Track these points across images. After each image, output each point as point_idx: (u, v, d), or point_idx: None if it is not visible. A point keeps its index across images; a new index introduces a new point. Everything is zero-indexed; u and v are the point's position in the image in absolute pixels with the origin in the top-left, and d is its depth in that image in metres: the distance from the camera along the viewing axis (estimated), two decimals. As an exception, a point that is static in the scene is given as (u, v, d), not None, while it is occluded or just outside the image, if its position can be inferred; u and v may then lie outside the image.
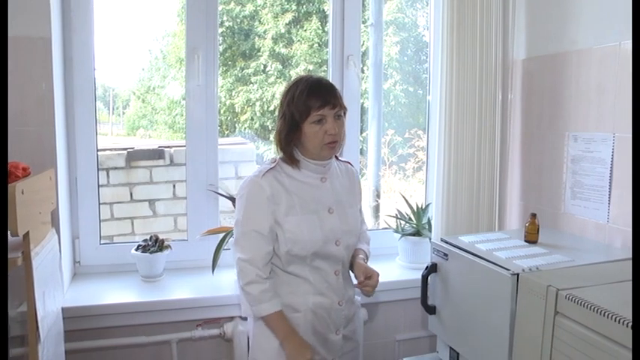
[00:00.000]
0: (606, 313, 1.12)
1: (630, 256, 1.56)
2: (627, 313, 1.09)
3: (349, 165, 1.76)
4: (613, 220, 1.72)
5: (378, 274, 1.63)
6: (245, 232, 1.53)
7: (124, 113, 4.57)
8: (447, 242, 1.71)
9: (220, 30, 4.09)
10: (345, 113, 1.58)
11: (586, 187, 1.82)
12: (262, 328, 1.57)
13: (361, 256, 1.69)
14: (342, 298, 1.63)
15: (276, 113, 1.61)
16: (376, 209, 2.68)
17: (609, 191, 1.73)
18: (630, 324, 1.06)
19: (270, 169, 1.57)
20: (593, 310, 1.15)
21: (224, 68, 4.28)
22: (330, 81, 1.64)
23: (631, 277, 1.34)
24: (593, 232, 1.79)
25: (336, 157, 1.69)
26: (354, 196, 1.72)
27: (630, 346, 1.06)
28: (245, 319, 1.91)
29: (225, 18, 4.18)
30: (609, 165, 1.73)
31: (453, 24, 1.97)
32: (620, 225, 1.69)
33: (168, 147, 2.74)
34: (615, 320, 1.09)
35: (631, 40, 1.66)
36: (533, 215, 1.70)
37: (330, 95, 1.52)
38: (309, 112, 1.50)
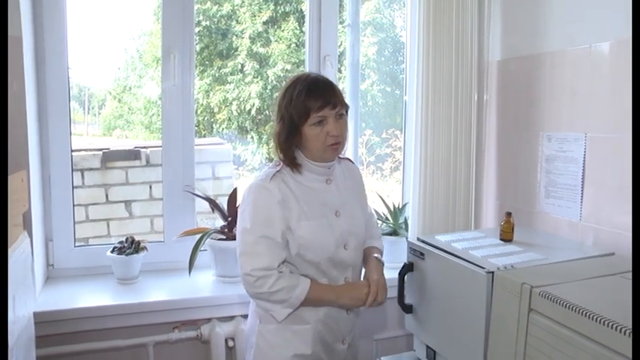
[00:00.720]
0: (578, 310, 1.14)
1: (603, 252, 1.59)
2: (599, 309, 1.11)
3: (349, 162, 1.72)
4: (585, 218, 1.76)
5: (384, 286, 1.58)
6: (256, 240, 1.44)
7: (99, 113, 4.51)
8: (423, 241, 1.72)
9: (197, 29, 4.06)
10: (347, 111, 1.52)
11: (559, 186, 1.85)
12: (267, 338, 1.53)
13: (375, 256, 1.64)
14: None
15: (273, 116, 1.56)
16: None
17: (582, 190, 1.77)
18: (602, 320, 1.09)
19: (277, 172, 1.49)
20: (566, 307, 1.17)
21: (201, 68, 4.26)
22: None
23: (604, 273, 1.38)
24: (566, 230, 1.83)
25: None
26: (358, 194, 1.68)
27: (601, 341, 1.08)
28: (224, 319, 1.90)
29: (202, 17, 4.15)
30: (582, 164, 1.76)
31: (429, 25, 1.99)
32: (592, 223, 1.73)
33: (144, 147, 2.71)
34: (587, 316, 1.12)
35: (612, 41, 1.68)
36: (508, 214, 1.72)
37: (329, 94, 1.46)
38: (309, 114, 1.43)
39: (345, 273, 1.56)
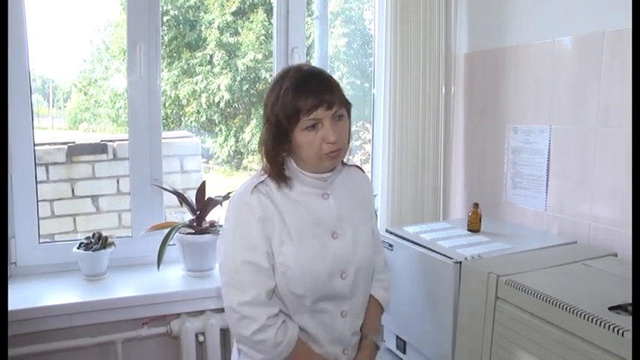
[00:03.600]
0: (542, 297, 1.17)
1: (567, 241, 1.64)
2: (562, 296, 1.15)
3: (357, 169, 1.43)
4: (550, 208, 1.80)
5: None
6: (238, 267, 1.21)
7: (65, 106, 4.39)
8: (392, 233, 1.74)
9: (165, 19, 4.00)
10: (349, 111, 1.27)
11: (525, 177, 1.89)
12: None
13: (369, 340, 1.37)
14: (347, 345, 1.32)
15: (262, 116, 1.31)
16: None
17: (547, 181, 1.81)
18: (564, 306, 1.12)
19: (260, 183, 1.25)
20: (531, 294, 1.20)
21: (169, 60, 4.19)
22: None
23: (567, 260, 1.41)
24: (532, 219, 1.87)
25: (342, 162, 1.36)
26: (366, 210, 1.39)
27: (563, 327, 1.11)
28: (194, 314, 1.88)
29: (170, 7, 4.08)
30: (547, 156, 1.80)
31: (396, 18, 2.00)
32: (557, 212, 1.77)
33: (111, 141, 2.65)
34: (550, 303, 1.15)
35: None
36: (476, 205, 1.75)
37: (323, 91, 1.19)
38: (299, 117, 1.18)
39: (341, 306, 1.29)
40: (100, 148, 2.61)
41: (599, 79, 1.60)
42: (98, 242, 1.96)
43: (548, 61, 1.79)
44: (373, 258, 1.36)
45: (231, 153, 4.25)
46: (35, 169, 1.97)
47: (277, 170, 1.25)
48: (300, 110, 1.18)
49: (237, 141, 4.29)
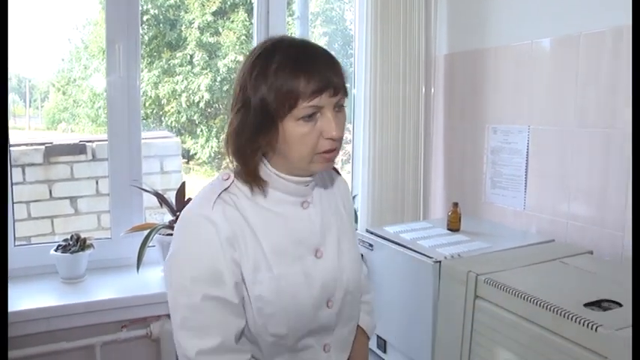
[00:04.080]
0: (521, 295, 1.19)
1: (545, 239, 1.67)
2: (539, 294, 1.16)
3: (334, 172, 1.20)
4: (529, 207, 1.83)
5: None
6: (197, 304, 0.92)
7: (42, 106, 4.32)
8: (372, 233, 1.75)
9: (145, 18, 3.96)
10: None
11: (505, 177, 1.91)
12: None
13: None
14: None
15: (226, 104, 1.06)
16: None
17: (525, 180, 1.83)
18: (541, 303, 1.13)
19: (225, 191, 0.98)
20: (510, 293, 1.22)
21: (149, 60, 4.15)
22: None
23: (545, 259, 1.43)
24: (511, 219, 1.89)
25: None
26: (348, 219, 1.16)
27: (541, 323, 1.13)
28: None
29: (150, 6, 4.04)
30: (525, 155, 1.83)
31: (377, 19, 2.00)
32: (535, 211, 1.80)
33: (90, 141, 2.62)
34: (529, 301, 1.16)
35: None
36: (455, 204, 1.77)
37: (330, 71, 0.94)
38: (297, 101, 0.91)
39: (324, 339, 1.06)
40: (78, 149, 2.57)
41: (575, 80, 1.63)
42: (76, 244, 1.93)
43: (527, 63, 1.81)
44: (360, 278, 1.13)
45: (212, 154, 4.23)
46: (10, 170, 1.93)
47: (253, 171, 0.98)
48: (298, 93, 0.90)
49: (218, 142, 4.28)
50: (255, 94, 0.93)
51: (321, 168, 1.00)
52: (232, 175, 1.00)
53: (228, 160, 1.00)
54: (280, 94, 0.91)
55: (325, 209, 1.08)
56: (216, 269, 0.93)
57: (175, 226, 1.00)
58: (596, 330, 1.01)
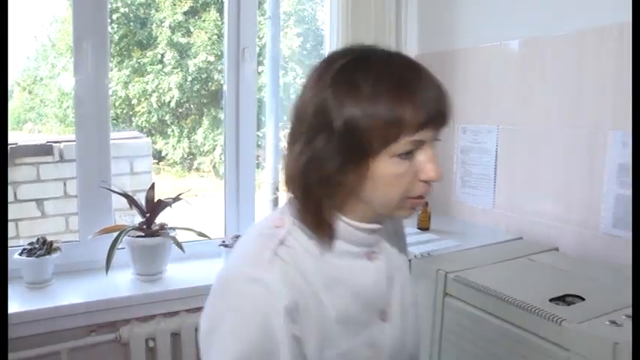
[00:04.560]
0: (489, 292, 1.21)
1: (513, 237, 1.70)
2: (507, 290, 1.19)
3: None
4: (498, 206, 1.86)
5: None
6: None
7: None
8: (346, 232, 1.75)
9: (115, 16, 3.89)
10: None
11: (474, 176, 1.94)
12: None
13: None
14: None
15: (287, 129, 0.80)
16: (275, 202, 2.67)
17: (494, 179, 1.87)
18: (508, 299, 1.16)
19: (281, 242, 0.76)
20: (478, 290, 1.24)
21: (119, 59, 4.08)
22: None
23: (513, 256, 1.46)
24: (480, 217, 1.92)
25: None
26: (405, 261, 0.97)
27: (510, 320, 1.15)
28: (144, 319, 1.83)
29: (119, 4, 3.97)
30: (494, 155, 1.86)
31: (347, 19, 2.01)
32: (504, 210, 1.83)
33: (57, 142, 2.56)
34: (497, 297, 1.18)
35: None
36: (425, 204, 1.79)
37: (440, 97, 0.75)
38: (399, 135, 0.70)
39: None
40: (45, 150, 2.51)
41: (542, 81, 1.67)
42: (42, 248, 1.88)
43: (496, 64, 1.84)
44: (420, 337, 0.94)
45: (184, 154, 4.18)
46: (-27, 171, 1.88)
47: (325, 221, 0.76)
48: (402, 125, 0.70)
49: (189, 142, 4.23)
50: (341, 119, 0.70)
51: (407, 215, 0.82)
52: (287, 221, 0.78)
53: (287, 201, 0.80)
54: (378, 124, 0.69)
55: (390, 258, 0.87)
56: (270, 350, 0.70)
57: (213, 289, 0.76)
58: (560, 324, 1.04)
